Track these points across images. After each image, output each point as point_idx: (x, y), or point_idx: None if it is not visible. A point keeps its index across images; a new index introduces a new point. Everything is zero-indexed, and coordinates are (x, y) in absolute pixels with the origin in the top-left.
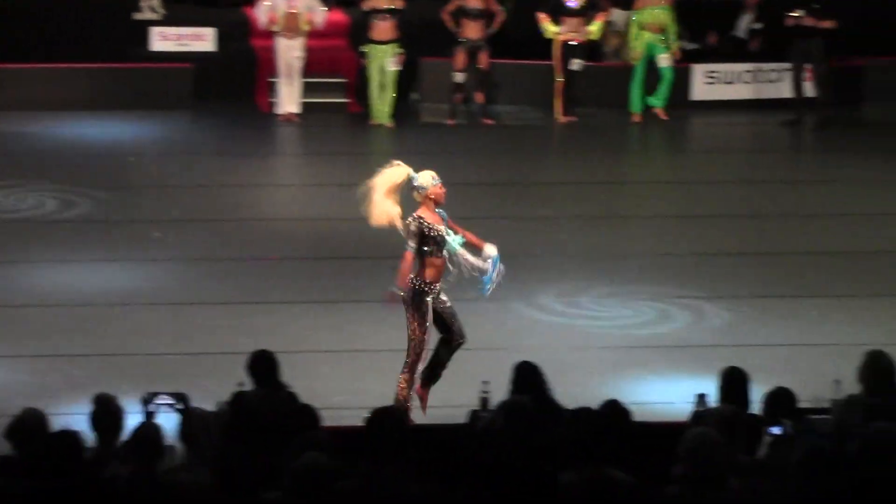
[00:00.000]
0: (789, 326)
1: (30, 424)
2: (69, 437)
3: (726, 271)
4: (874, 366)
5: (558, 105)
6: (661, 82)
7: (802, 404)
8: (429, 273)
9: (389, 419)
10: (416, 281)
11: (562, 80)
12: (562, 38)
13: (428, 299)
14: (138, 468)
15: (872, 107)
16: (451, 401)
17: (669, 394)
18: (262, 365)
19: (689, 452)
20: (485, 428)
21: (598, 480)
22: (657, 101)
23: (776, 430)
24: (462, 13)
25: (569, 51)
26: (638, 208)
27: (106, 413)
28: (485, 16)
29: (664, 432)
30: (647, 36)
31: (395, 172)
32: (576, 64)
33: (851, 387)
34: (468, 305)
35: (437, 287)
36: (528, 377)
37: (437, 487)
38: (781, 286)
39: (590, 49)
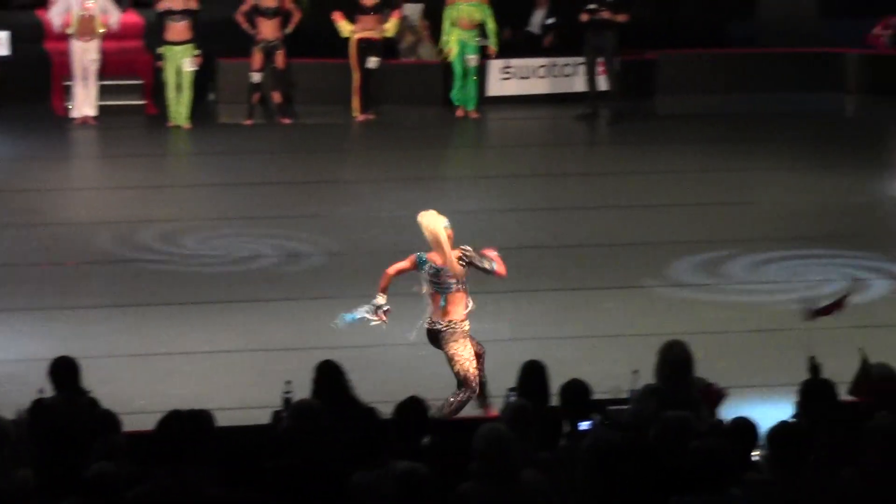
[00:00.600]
0: (587, 318)
1: None
2: None
3: (524, 265)
4: (669, 356)
5: (356, 103)
6: (468, 83)
7: (601, 395)
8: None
9: (186, 422)
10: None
11: (358, 77)
12: (357, 36)
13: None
14: None
15: (665, 99)
16: (255, 402)
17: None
18: (63, 371)
19: (481, 448)
20: (284, 429)
21: (390, 475)
22: (469, 104)
23: (585, 425)
24: (257, 12)
25: (365, 49)
26: (435, 204)
27: None
28: (280, 15)
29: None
30: (458, 32)
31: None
32: (372, 62)
33: (649, 377)
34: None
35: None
36: (328, 376)
37: (234, 490)
38: (578, 278)
39: (385, 47)
